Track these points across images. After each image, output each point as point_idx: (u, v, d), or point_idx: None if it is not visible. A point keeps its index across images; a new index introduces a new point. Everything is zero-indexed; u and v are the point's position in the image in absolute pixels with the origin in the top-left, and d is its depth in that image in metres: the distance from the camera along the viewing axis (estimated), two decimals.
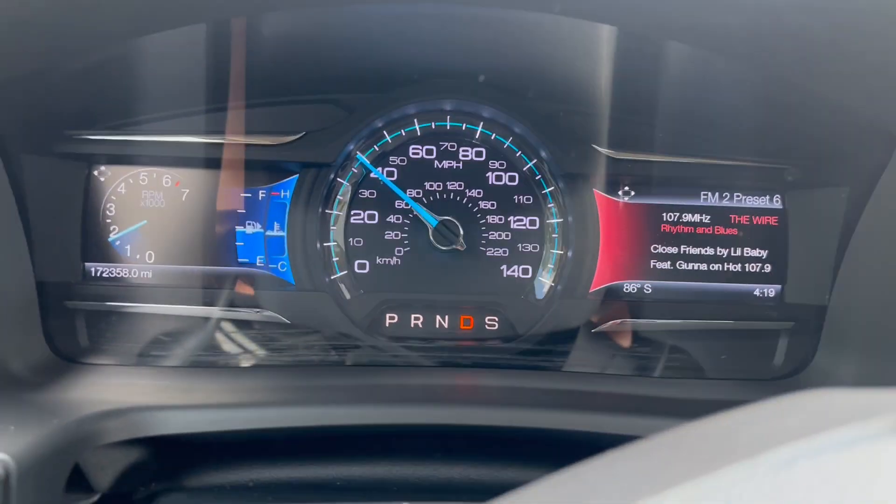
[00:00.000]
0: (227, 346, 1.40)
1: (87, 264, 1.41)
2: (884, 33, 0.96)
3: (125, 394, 1.20)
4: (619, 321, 1.43)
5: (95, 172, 1.42)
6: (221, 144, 1.40)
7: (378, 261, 1.45)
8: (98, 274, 1.42)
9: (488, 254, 1.47)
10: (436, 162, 1.47)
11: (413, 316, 1.45)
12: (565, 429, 1.14)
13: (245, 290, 1.42)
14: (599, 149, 1.42)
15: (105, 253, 1.42)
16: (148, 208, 1.43)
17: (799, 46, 1.06)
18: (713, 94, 1.35)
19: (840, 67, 1.09)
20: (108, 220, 1.42)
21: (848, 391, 0.52)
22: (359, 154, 1.45)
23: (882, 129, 1.20)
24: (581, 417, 1.15)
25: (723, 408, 1.26)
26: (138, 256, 1.42)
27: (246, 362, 1.40)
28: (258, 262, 1.44)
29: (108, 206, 1.42)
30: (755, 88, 1.28)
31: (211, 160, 1.41)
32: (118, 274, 1.42)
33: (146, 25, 1.11)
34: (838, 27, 0.97)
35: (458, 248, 1.43)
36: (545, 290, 1.46)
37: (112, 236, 1.42)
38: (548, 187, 1.47)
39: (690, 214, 1.48)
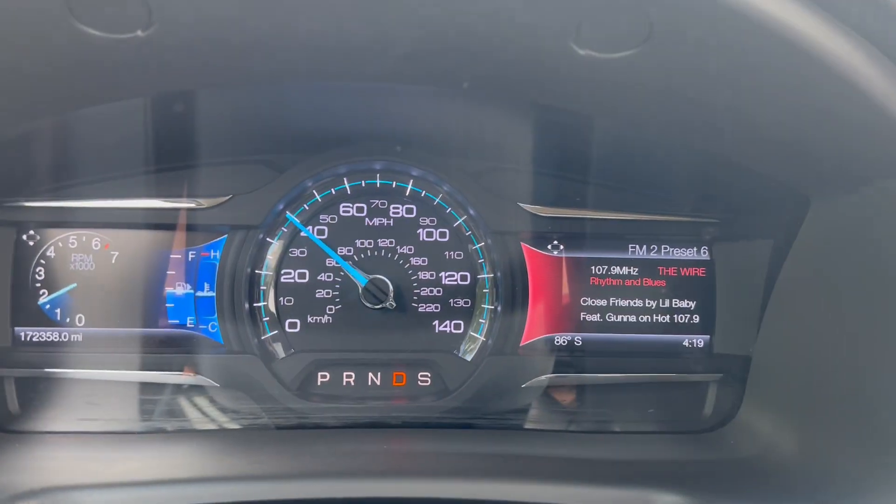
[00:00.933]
0: (158, 411, 1.40)
1: (16, 329, 1.41)
2: (788, 107, 0.98)
3: (48, 469, 1.20)
4: (549, 375, 1.44)
5: (24, 237, 1.42)
6: (150, 208, 1.40)
7: (309, 319, 1.46)
8: (28, 338, 1.41)
9: (420, 310, 1.48)
10: (367, 219, 1.48)
11: (345, 374, 1.46)
12: (490, 499, 1.15)
13: (176, 352, 1.42)
14: (525, 206, 1.43)
15: (35, 317, 1.42)
16: (77, 271, 1.43)
17: (707, 116, 1.08)
18: (637, 155, 1.37)
19: (749, 136, 1.11)
20: (38, 285, 1.42)
21: None
22: (288, 213, 1.45)
23: (795, 190, 1.23)
24: (506, 487, 1.15)
25: (651, 467, 1.28)
26: (68, 320, 1.42)
27: (175, 427, 1.40)
28: (188, 322, 1.44)
29: (37, 270, 1.42)
30: (674, 151, 1.31)
31: (140, 223, 1.41)
32: (48, 338, 1.42)
33: (68, 104, 1.12)
34: (743, 99, 1.00)
35: (388, 307, 1.43)
36: (476, 345, 1.47)
37: (42, 300, 1.42)
38: (478, 243, 1.48)
39: (619, 267, 1.50)
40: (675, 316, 1.50)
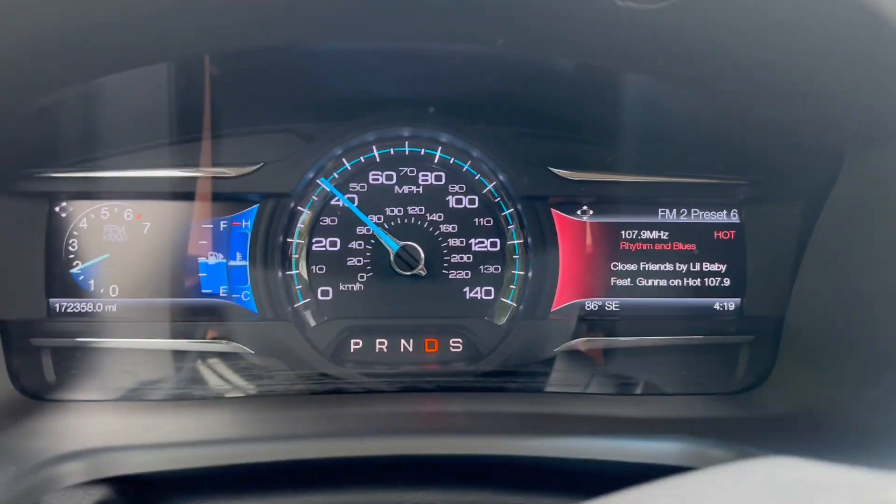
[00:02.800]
0: (193, 379, 1.41)
1: (51, 300, 1.42)
2: (823, 59, 0.98)
3: (87, 433, 1.21)
4: (580, 340, 1.45)
5: (57, 209, 1.43)
6: (181, 177, 1.41)
7: (341, 287, 1.47)
8: (63, 309, 1.42)
9: (451, 276, 1.48)
10: (396, 187, 1.48)
11: (377, 341, 1.46)
12: (525, 455, 1.15)
13: (209, 321, 1.43)
14: (555, 171, 1.43)
15: (69, 288, 1.43)
16: (110, 242, 1.44)
17: (743, 72, 1.08)
18: (667, 115, 1.37)
19: (784, 92, 1.11)
20: (71, 256, 1.43)
21: (797, 464, 0.53)
22: (322, 178, 1.46)
23: (828, 147, 1.22)
24: (540, 442, 1.16)
25: (686, 426, 1.28)
26: (102, 290, 1.43)
27: (211, 394, 1.41)
28: (221, 292, 1.45)
29: (70, 241, 1.43)
30: (706, 111, 1.31)
31: (171, 193, 1.42)
32: (83, 309, 1.43)
33: (107, 66, 1.12)
34: (779, 53, 0.99)
35: (419, 273, 1.44)
36: (508, 310, 1.48)
37: (75, 271, 1.43)
38: (507, 209, 1.48)
39: (649, 231, 1.49)
40: (706, 279, 1.50)
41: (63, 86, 1.16)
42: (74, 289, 1.43)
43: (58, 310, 1.42)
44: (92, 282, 1.43)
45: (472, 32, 1.09)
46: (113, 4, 0.92)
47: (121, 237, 1.44)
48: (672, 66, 1.12)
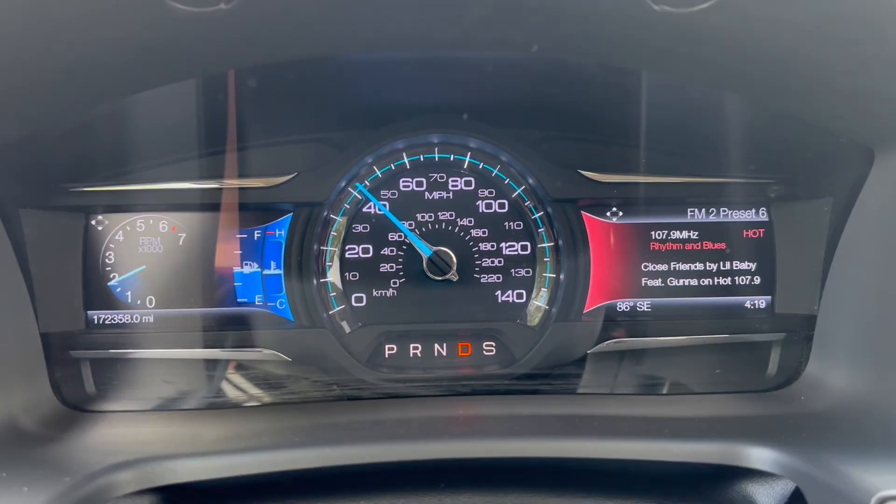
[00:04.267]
0: (232, 387, 1.43)
1: (89, 312, 1.44)
2: (854, 56, 0.99)
3: (133, 443, 1.23)
4: (614, 341, 1.46)
5: (93, 222, 1.44)
6: (215, 189, 1.43)
7: (375, 293, 1.48)
8: (101, 321, 1.44)
9: (482, 280, 1.49)
10: (426, 193, 1.50)
11: (412, 346, 1.48)
12: (568, 456, 1.16)
13: (246, 329, 1.45)
14: (585, 173, 1.45)
15: (107, 300, 1.45)
16: (146, 254, 1.46)
17: (774, 71, 1.09)
18: (695, 115, 1.38)
19: (814, 89, 1.12)
20: (108, 268, 1.45)
21: None
22: (358, 183, 1.47)
23: (860, 144, 1.23)
24: (582, 444, 1.16)
25: (720, 424, 1.29)
26: (139, 302, 1.45)
27: (250, 402, 1.43)
28: (257, 300, 1.46)
29: (107, 254, 1.45)
30: (734, 110, 1.31)
31: (206, 204, 1.44)
32: (121, 320, 1.45)
33: (139, 83, 1.14)
34: (811, 51, 1.00)
35: (451, 278, 1.45)
36: (540, 313, 1.49)
37: (113, 283, 1.45)
38: (537, 213, 1.49)
39: (678, 231, 1.50)
40: (736, 278, 1.51)
41: (97, 103, 1.18)
42: (112, 301, 1.45)
43: (96, 322, 1.44)
44: (129, 293, 1.45)
45: (508, 39, 1.10)
46: (145, 23, 0.93)
47: (156, 249, 1.46)
48: (703, 68, 1.12)
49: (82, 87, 1.10)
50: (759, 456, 1.07)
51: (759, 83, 1.14)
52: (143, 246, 1.46)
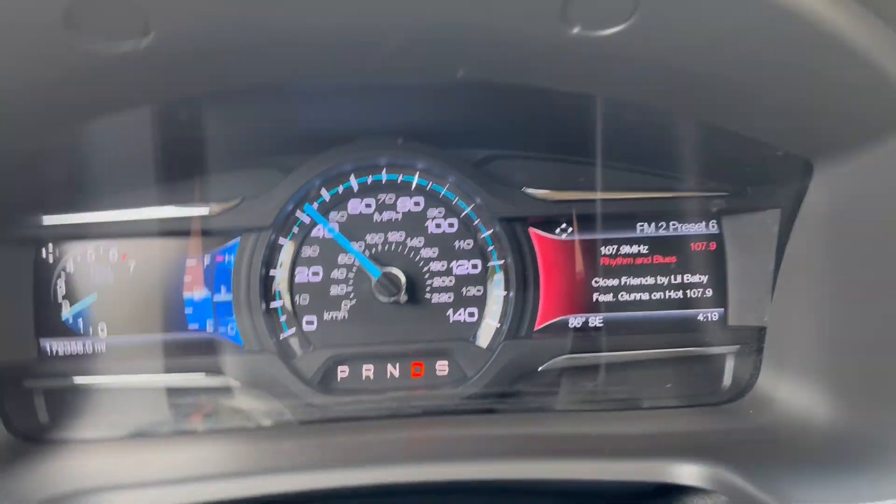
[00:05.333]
0: (182, 414, 1.43)
1: (42, 341, 1.45)
2: (780, 74, 0.99)
3: (82, 473, 1.23)
4: (565, 357, 1.45)
5: (44, 252, 1.45)
6: (163, 217, 1.43)
7: (326, 316, 1.48)
8: (53, 350, 1.45)
9: (434, 300, 1.50)
10: (375, 214, 1.50)
11: (364, 367, 1.48)
12: (510, 478, 1.16)
13: (197, 355, 1.45)
14: (531, 191, 1.45)
15: (59, 329, 1.45)
16: (97, 282, 1.46)
17: (699, 88, 1.09)
18: (638, 132, 1.37)
19: (746, 106, 1.12)
20: (60, 298, 1.45)
21: None
22: (307, 206, 1.48)
23: (798, 158, 1.23)
24: (522, 466, 1.17)
25: (672, 440, 1.29)
26: (91, 330, 1.46)
27: (201, 429, 1.43)
28: (208, 326, 1.47)
29: (58, 283, 1.46)
30: (676, 126, 1.31)
31: (154, 232, 1.44)
32: (73, 349, 1.45)
33: (88, 113, 1.15)
34: (736, 70, 1.00)
35: (399, 300, 1.45)
36: (491, 331, 1.49)
37: (64, 312, 1.45)
38: (486, 231, 1.49)
39: (628, 246, 1.50)
40: (688, 291, 1.51)
41: (46, 134, 1.19)
42: (64, 329, 1.45)
43: (48, 351, 1.45)
44: (81, 321, 1.46)
45: (432, 66, 1.10)
46: (68, 64, 0.94)
47: (107, 277, 1.47)
48: (629, 88, 1.13)
49: (27, 119, 1.10)
50: (690, 473, 1.08)
51: (687, 101, 1.14)
52: (93, 274, 1.46)
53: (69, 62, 0.95)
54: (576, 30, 0.94)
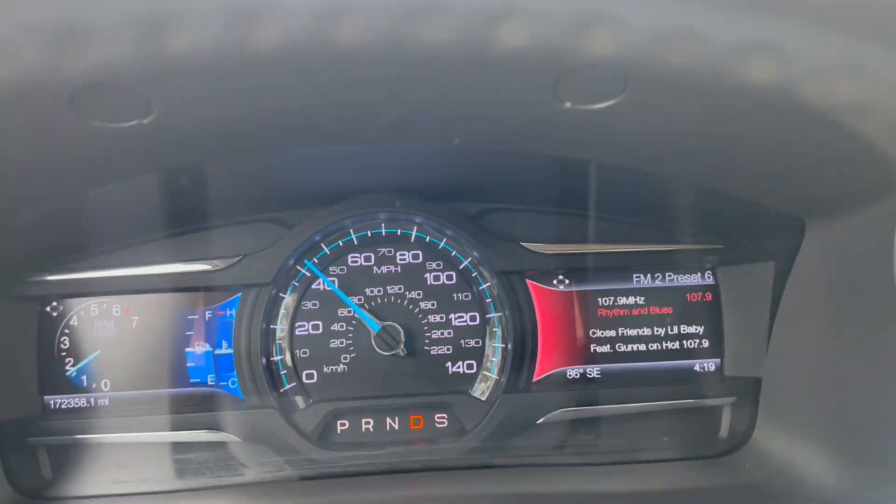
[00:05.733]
0: (184, 470, 1.44)
1: (45, 398, 1.46)
2: (765, 139, 1.01)
3: None
4: (563, 410, 1.46)
5: (48, 308, 1.47)
6: (165, 274, 1.45)
7: (325, 370, 1.50)
8: (57, 406, 1.47)
9: (432, 352, 1.51)
10: (374, 268, 1.52)
11: (364, 421, 1.49)
12: None
13: (199, 410, 1.46)
14: (528, 245, 1.47)
15: (62, 385, 1.47)
16: (100, 338, 1.48)
17: (691, 153, 1.11)
18: (634, 189, 1.39)
19: (734, 168, 1.14)
20: (63, 353, 1.47)
21: None
22: (307, 261, 1.50)
23: (791, 215, 1.25)
24: None
25: (668, 497, 1.29)
26: (95, 385, 1.47)
27: (203, 484, 1.43)
28: (209, 380, 1.49)
29: (62, 339, 1.47)
30: (671, 186, 1.33)
31: (156, 288, 1.47)
32: (76, 404, 1.47)
33: (92, 181, 1.17)
34: (726, 141, 1.02)
35: (399, 353, 1.47)
36: (490, 384, 1.50)
37: (68, 368, 1.47)
38: (484, 283, 1.51)
39: (625, 297, 1.52)
40: (685, 341, 1.52)
41: (49, 201, 1.22)
42: (68, 385, 1.47)
43: (52, 406, 1.46)
44: (84, 377, 1.48)
45: (428, 135, 1.13)
46: (73, 138, 0.96)
47: (110, 332, 1.48)
48: (626, 154, 1.15)
49: (25, 189, 1.13)
50: None
51: (679, 166, 1.17)
52: (97, 330, 1.48)
53: (74, 136, 0.98)
54: (567, 105, 0.96)
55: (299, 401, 1.49)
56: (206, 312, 1.49)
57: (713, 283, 1.52)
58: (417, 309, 1.51)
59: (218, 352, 1.49)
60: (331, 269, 1.51)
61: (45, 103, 0.89)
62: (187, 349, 1.49)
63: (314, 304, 1.51)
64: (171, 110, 0.94)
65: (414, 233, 1.52)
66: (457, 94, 0.95)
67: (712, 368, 1.51)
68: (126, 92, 0.89)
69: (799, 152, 1.02)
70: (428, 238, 1.52)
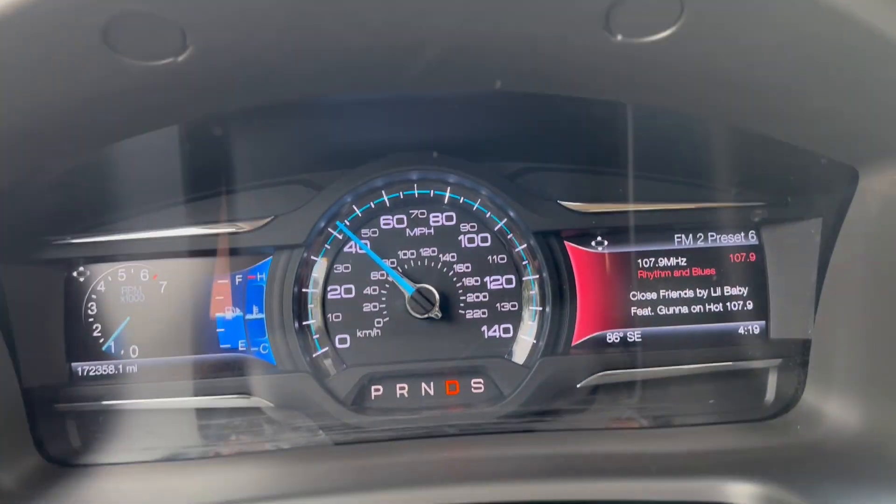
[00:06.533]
0: (216, 436, 1.41)
1: (73, 364, 1.43)
2: (826, 78, 0.96)
3: (116, 497, 1.22)
4: (603, 373, 1.42)
5: (75, 274, 1.44)
6: (194, 235, 1.42)
7: (359, 334, 1.46)
8: (85, 373, 1.44)
9: (468, 316, 1.47)
10: (407, 230, 1.48)
11: (398, 386, 1.46)
12: (554, 500, 1.13)
13: (230, 376, 1.43)
14: (565, 204, 1.42)
15: (90, 352, 1.44)
16: (128, 303, 1.45)
17: (747, 96, 1.07)
18: (676, 142, 1.35)
19: (790, 111, 1.09)
20: (91, 319, 1.44)
21: None
22: (339, 223, 1.46)
23: (842, 164, 1.20)
24: (567, 486, 1.14)
25: (716, 458, 1.26)
26: (122, 352, 1.44)
27: (234, 450, 1.41)
28: (240, 346, 1.45)
29: (89, 305, 1.44)
30: (714, 135, 1.29)
31: (185, 251, 1.43)
32: (104, 371, 1.44)
33: (118, 133, 1.14)
34: (782, 75, 0.98)
35: (434, 316, 1.43)
36: (528, 347, 1.46)
37: (96, 334, 1.44)
38: (520, 245, 1.47)
39: (666, 259, 1.48)
40: (728, 303, 1.47)
41: (76, 155, 1.18)
42: (95, 352, 1.44)
43: (80, 374, 1.44)
44: (112, 344, 1.44)
45: (469, 78, 1.09)
46: (104, 78, 0.93)
47: (138, 298, 1.45)
48: (672, 95, 1.10)
49: (57, 141, 1.10)
50: (742, 491, 1.05)
51: (732, 108, 1.12)
52: (125, 296, 1.45)
53: (107, 79, 0.94)
54: (619, 38, 0.92)
55: (332, 365, 1.45)
56: (237, 277, 1.46)
57: (757, 242, 1.47)
58: (452, 272, 1.47)
59: (249, 316, 1.45)
60: (363, 231, 1.47)
61: (78, 37, 0.86)
62: (217, 314, 1.45)
63: (346, 268, 1.47)
64: (206, 46, 0.91)
65: (447, 194, 1.48)
66: (501, 26, 0.91)
67: (757, 331, 1.47)
68: (161, 24, 0.86)
69: (861, 88, 0.97)
70: (462, 199, 1.48)
